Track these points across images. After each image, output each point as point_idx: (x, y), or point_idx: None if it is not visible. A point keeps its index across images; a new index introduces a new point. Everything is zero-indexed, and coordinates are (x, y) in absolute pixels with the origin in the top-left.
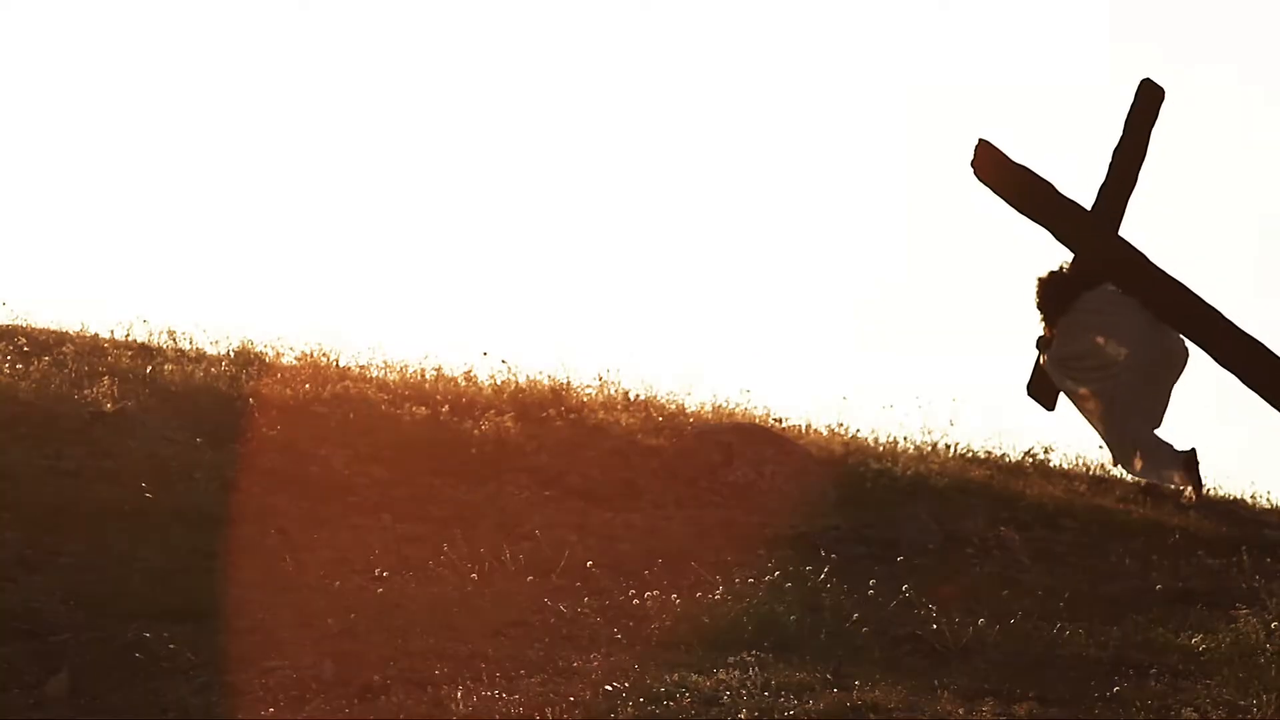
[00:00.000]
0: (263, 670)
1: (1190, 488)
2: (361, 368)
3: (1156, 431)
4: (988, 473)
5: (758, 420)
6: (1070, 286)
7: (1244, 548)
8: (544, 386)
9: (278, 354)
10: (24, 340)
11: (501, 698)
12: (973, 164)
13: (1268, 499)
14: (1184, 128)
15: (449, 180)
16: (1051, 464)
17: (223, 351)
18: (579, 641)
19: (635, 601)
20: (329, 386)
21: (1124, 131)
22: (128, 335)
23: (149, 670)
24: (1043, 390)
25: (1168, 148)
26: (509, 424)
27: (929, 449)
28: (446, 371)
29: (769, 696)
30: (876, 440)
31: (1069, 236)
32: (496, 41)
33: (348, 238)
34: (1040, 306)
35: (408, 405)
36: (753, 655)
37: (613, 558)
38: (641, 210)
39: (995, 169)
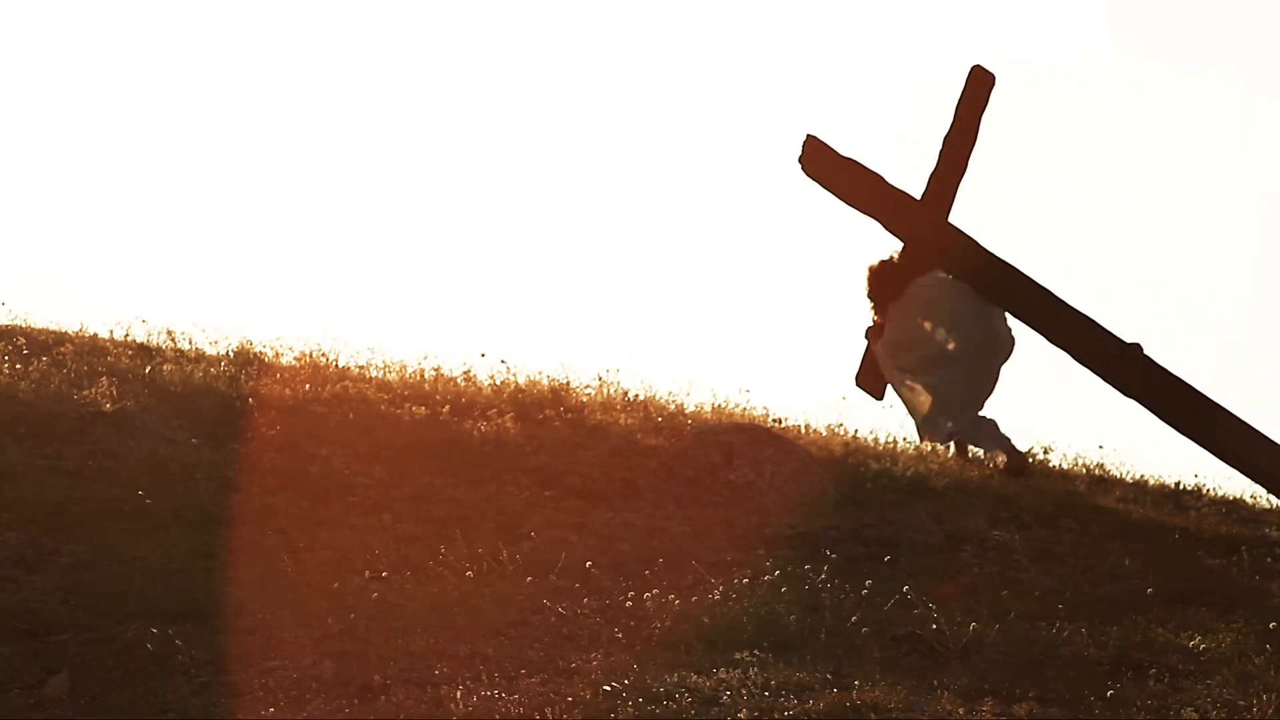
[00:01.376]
0: (263, 670)
1: (1007, 457)
2: (361, 368)
3: (978, 413)
4: (988, 473)
5: (758, 420)
6: (901, 275)
7: (1244, 548)
8: (543, 387)
9: (277, 354)
10: (23, 340)
11: (501, 698)
12: (800, 160)
13: (1268, 499)
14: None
15: (449, 180)
16: (1051, 464)
17: (222, 351)
18: (579, 641)
19: (635, 601)
20: (328, 386)
21: (954, 118)
22: (127, 335)
23: (149, 670)
24: (871, 380)
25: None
26: (509, 424)
27: (929, 449)
28: (446, 371)
29: (769, 696)
30: (876, 440)
31: (899, 227)
32: (497, 42)
33: (347, 238)
34: (870, 295)
35: (407, 405)
36: (753, 655)
37: (613, 558)
38: (641, 210)
39: (822, 164)
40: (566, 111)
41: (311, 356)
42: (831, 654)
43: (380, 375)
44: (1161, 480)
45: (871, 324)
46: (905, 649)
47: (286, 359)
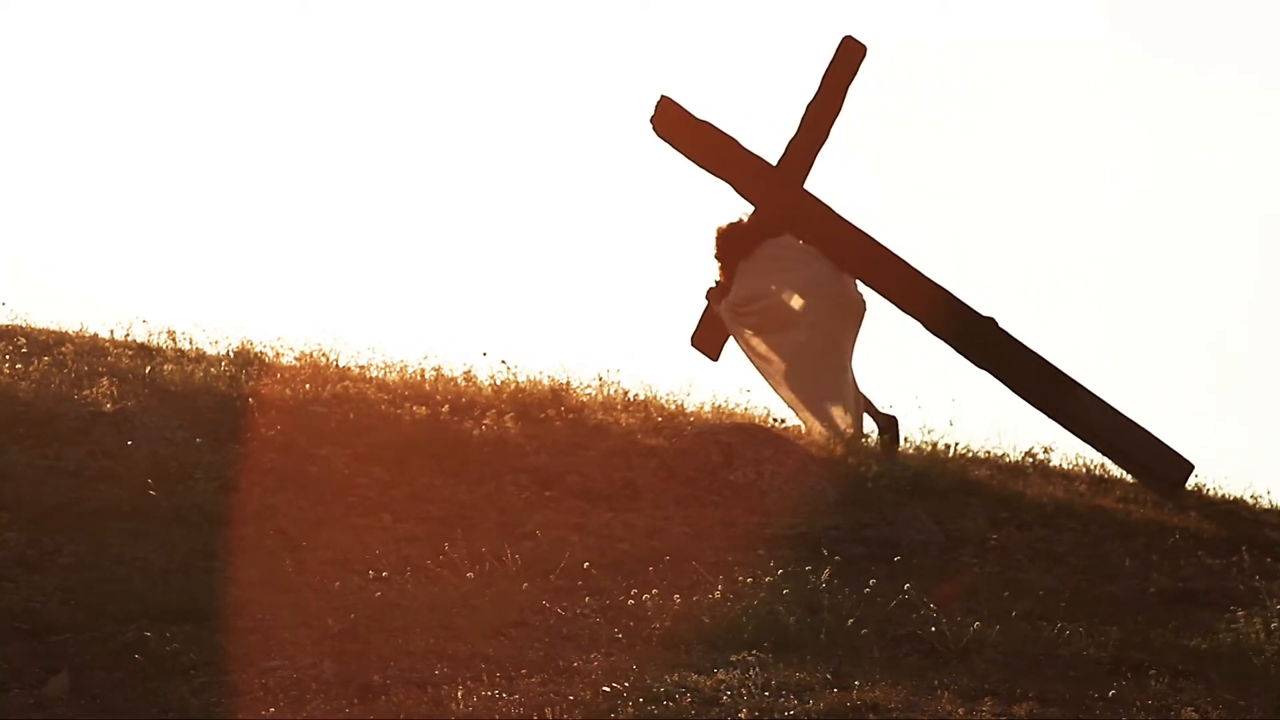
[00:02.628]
0: (263, 670)
1: (883, 433)
2: (361, 368)
3: (841, 382)
4: (988, 473)
5: (758, 420)
6: (750, 237)
7: (1244, 548)
8: (544, 386)
9: (277, 354)
10: (23, 340)
11: (501, 698)
12: (653, 120)
13: (1268, 499)
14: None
15: (449, 180)
16: (1051, 464)
17: (222, 351)
18: (579, 641)
19: (635, 601)
20: (329, 386)
21: (820, 87)
22: (127, 335)
23: (149, 670)
24: (708, 341)
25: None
26: (509, 424)
27: (929, 449)
28: (446, 371)
29: (769, 696)
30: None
31: (752, 191)
32: (495, 42)
33: (348, 238)
34: (719, 257)
35: (408, 405)
36: (753, 655)
37: (613, 558)
38: (641, 210)
39: (676, 125)
40: (567, 112)
41: (311, 356)
42: (831, 654)
43: (380, 375)
44: None
45: (714, 284)
46: (905, 649)
47: (286, 359)
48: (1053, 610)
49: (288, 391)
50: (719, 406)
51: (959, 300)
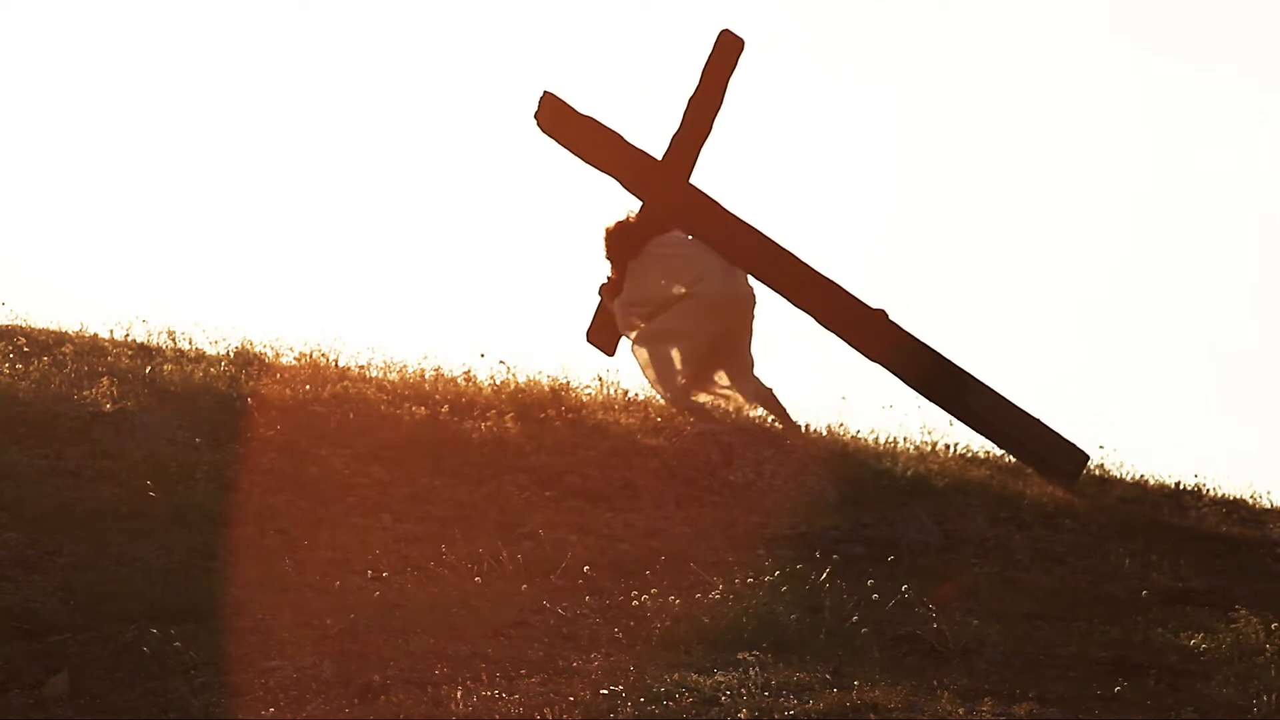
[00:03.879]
0: (263, 670)
1: (777, 419)
2: (361, 368)
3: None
4: (988, 473)
5: (758, 420)
6: (638, 234)
7: (1244, 548)
8: (543, 386)
9: (277, 354)
10: (23, 340)
11: (501, 698)
12: (536, 116)
13: (1268, 499)
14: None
15: (449, 180)
16: None
17: (222, 351)
18: (579, 641)
19: (635, 601)
20: (328, 387)
21: (700, 81)
22: (127, 335)
23: (149, 670)
24: (603, 337)
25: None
26: (509, 424)
27: (929, 449)
28: (446, 371)
29: (769, 696)
30: (876, 440)
31: (638, 186)
32: (494, 43)
33: (348, 238)
34: (609, 256)
35: (407, 405)
36: (753, 655)
37: (613, 558)
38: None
39: (560, 121)
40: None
41: (311, 356)
42: (831, 654)
43: (380, 375)
44: (1161, 480)
45: (606, 280)
46: (905, 649)
47: (286, 359)
48: (1053, 610)
49: (287, 391)
50: (719, 406)
51: (849, 293)
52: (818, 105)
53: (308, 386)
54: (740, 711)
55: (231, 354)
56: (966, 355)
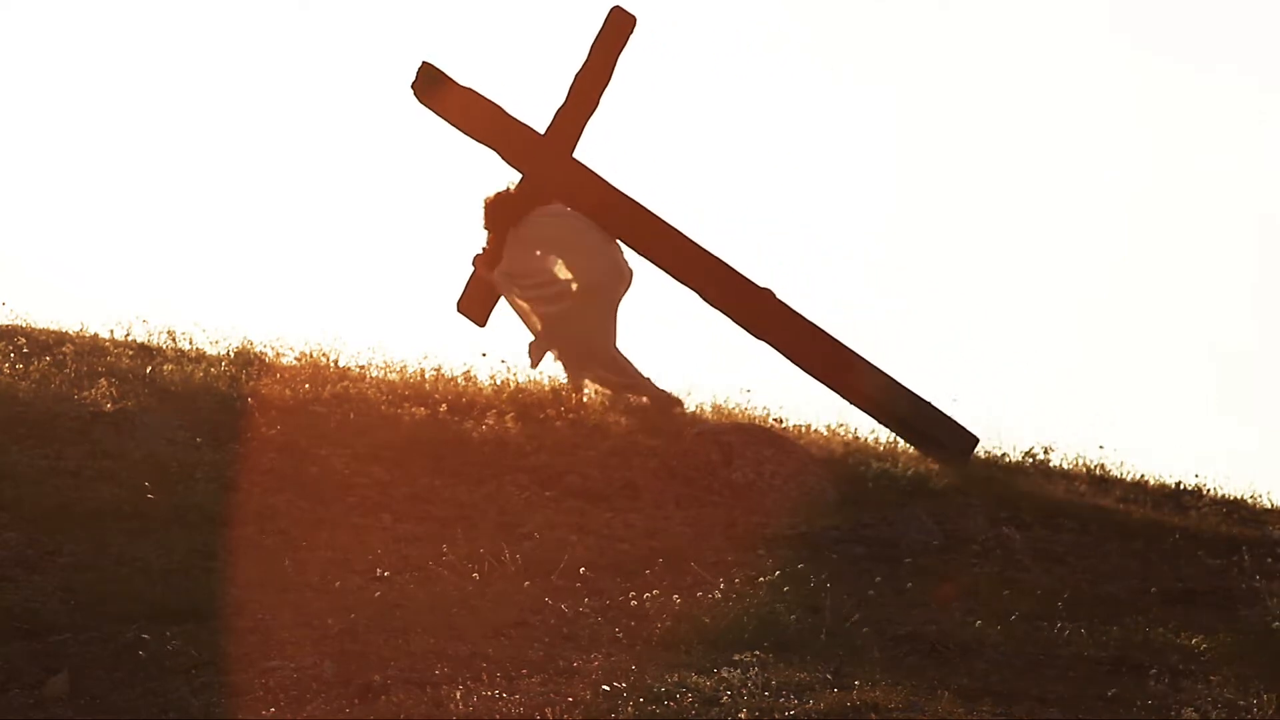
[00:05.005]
0: (263, 670)
1: (650, 399)
2: (361, 368)
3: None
4: (988, 473)
5: (758, 420)
6: (518, 206)
7: (1244, 548)
8: (544, 386)
9: (277, 354)
10: (24, 340)
11: (501, 698)
12: (413, 87)
13: (1268, 499)
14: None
15: (449, 180)
16: (1051, 464)
17: (222, 351)
18: (579, 641)
19: (635, 601)
20: (328, 386)
21: (588, 56)
22: (127, 335)
23: (149, 670)
24: (474, 308)
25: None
26: (509, 424)
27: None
28: (446, 371)
29: (769, 696)
30: (876, 440)
31: (519, 159)
32: (494, 42)
33: (348, 238)
34: (487, 228)
35: (407, 405)
36: (753, 655)
37: (613, 558)
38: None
39: (438, 92)
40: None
41: (311, 356)
42: (831, 654)
43: (380, 375)
44: (1161, 480)
45: (480, 251)
46: (905, 649)
47: (286, 359)
48: (1053, 610)
49: (288, 391)
50: (719, 406)
51: (735, 271)
52: (818, 105)
53: (308, 386)
54: (740, 711)
55: (231, 354)
56: (967, 355)
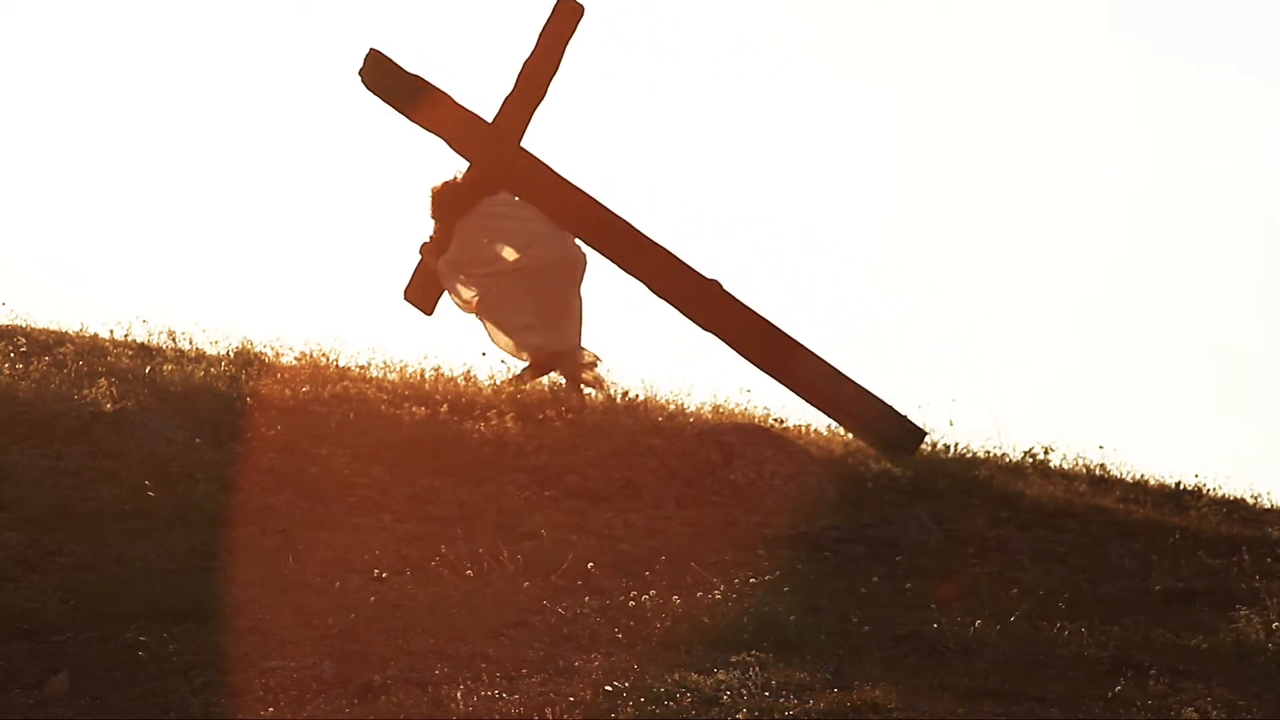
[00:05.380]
0: (263, 670)
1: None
2: (361, 368)
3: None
4: (988, 473)
5: (758, 420)
6: (466, 195)
7: (1244, 548)
8: (543, 386)
9: (277, 354)
10: (23, 340)
11: (501, 698)
12: (361, 73)
13: (1268, 499)
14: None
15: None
16: (1051, 464)
17: (222, 351)
18: (579, 641)
19: (635, 601)
20: (329, 386)
21: (536, 45)
22: (127, 335)
23: (149, 670)
24: (420, 296)
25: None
26: (509, 424)
27: (929, 449)
28: (446, 371)
29: (769, 696)
30: None
31: (466, 147)
32: (497, 41)
33: (348, 238)
34: (435, 217)
35: (407, 405)
36: (753, 655)
37: (613, 558)
38: (641, 210)
39: (386, 79)
40: (566, 111)
41: (311, 356)
42: (831, 654)
43: (380, 375)
44: (1161, 480)
45: (427, 239)
46: (905, 649)
47: (286, 359)
48: (1053, 610)
49: (288, 391)
50: (719, 406)
51: (683, 263)
52: (818, 105)
53: (307, 386)
54: (740, 711)
55: (231, 354)
56: (967, 355)
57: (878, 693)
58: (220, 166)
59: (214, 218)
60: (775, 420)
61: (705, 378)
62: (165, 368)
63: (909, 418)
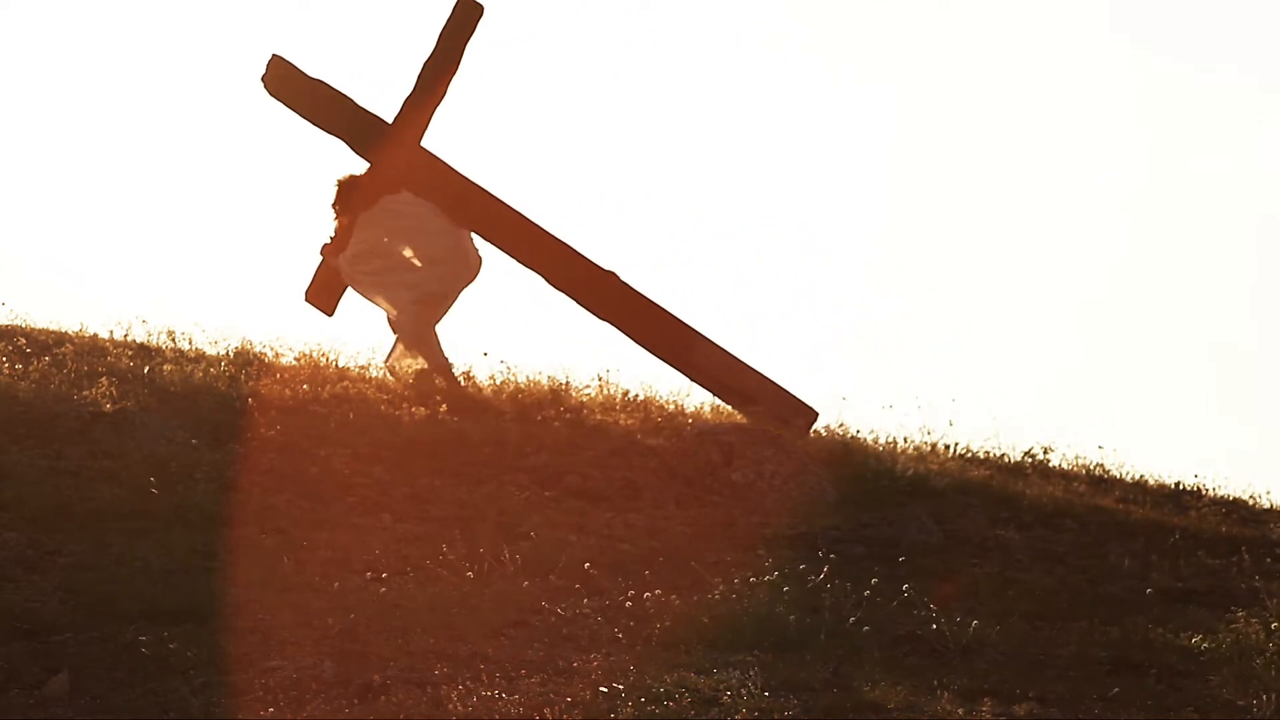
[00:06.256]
0: (263, 670)
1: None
2: (361, 368)
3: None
4: (988, 473)
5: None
6: (367, 193)
7: (1244, 548)
8: (543, 387)
9: (277, 354)
10: (23, 340)
11: (501, 698)
12: (264, 79)
13: (1268, 499)
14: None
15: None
16: (1051, 464)
17: (222, 351)
18: (579, 641)
19: (635, 601)
20: (328, 387)
21: (436, 45)
22: (127, 335)
23: (149, 670)
24: (323, 297)
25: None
26: (509, 424)
27: (929, 449)
28: None
29: (769, 696)
30: (876, 440)
31: (368, 148)
32: (503, 40)
33: None
34: (336, 214)
35: (407, 405)
36: (753, 655)
37: (613, 558)
38: (640, 209)
39: (287, 84)
40: (566, 110)
41: (311, 357)
42: (831, 654)
43: (380, 375)
44: (1161, 480)
45: (329, 239)
46: (905, 649)
47: (286, 359)
48: (1053, 610)
49: (287, 391)
50: (719, 406)
51: (580, 255)
52: (818, 105)
53: (307, 387)
54: (740, 711)
55: (231, 354)
56: (967, 355)
57: (878, 693)
58: (220, 167)
59: (214, 218)
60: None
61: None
62: (165, 368)
63: (802, 400)
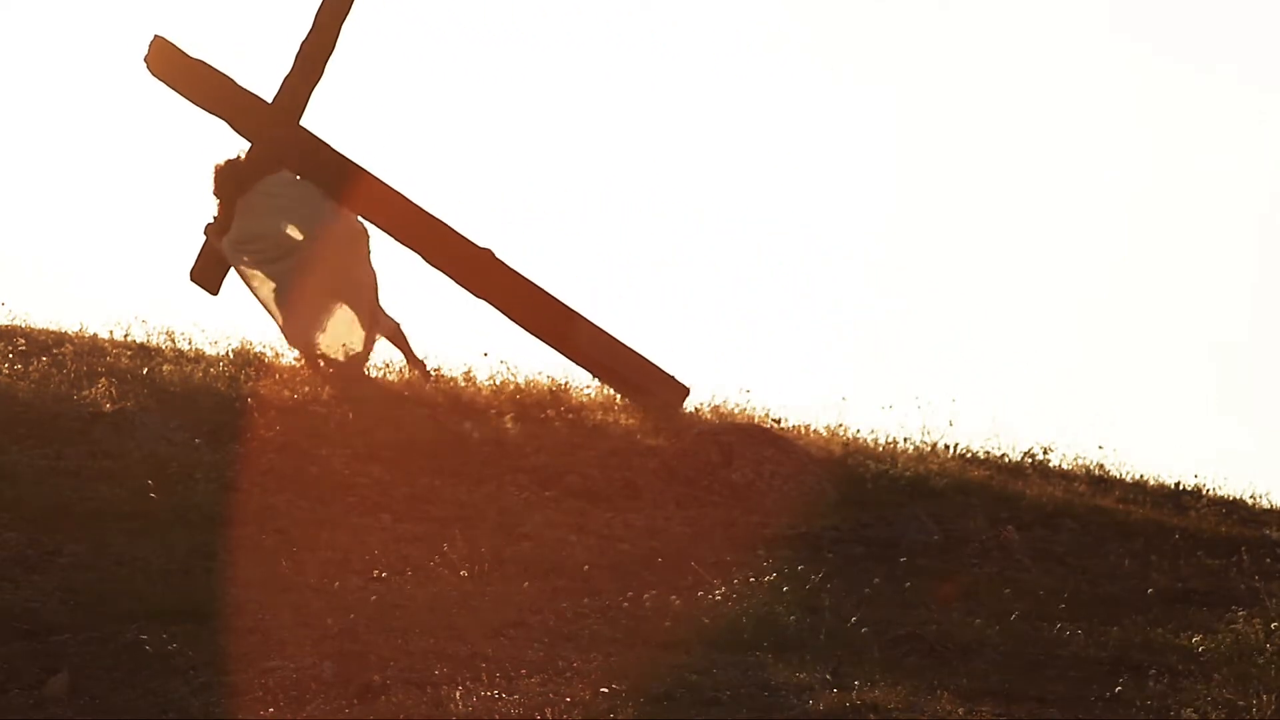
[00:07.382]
0: (263, 670)
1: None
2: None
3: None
4: (988, 473)
5: (758, 420)
6: (247, 173)
7: (1244, 548)
8: (543, 387)
9: (277, 354)
10: (23, 340)
11: (501, 698)
12: (146, 60)
13: (1268, 499)
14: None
15: (448, 179)
16: (1051, 464)
17: (222, 352)
18: (579, 641)
19: (635, 602)
20: (328, 387)
21: (312, 26)
22: (126, 335)
23: (149, 670)
24: (207, 276)
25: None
26: (508, 424)
27: (929, 449)
28: (446, 371)
29: (769, 696)
30: (876, 440)
31: (248, 128)
32: (511, 38)
33: None
34: (216, 194)
35: (407, 405)
36: (753, 655)
37: (613, 558)
38: (640, 209)
39: (169, 64)
40: (566, 109)
41: None
42: (831, 654)
43: (380, 375)
44: (1161, 480)
45: (212, 220)
46: (905, 649)
47: (286, 359)
48: (1053, 610)
49: (287, 392)
50: (719, 406)
51: (455, 232)
52: (817, 105)
53: (307, 387)
54: (740, 711)
55: (231, 354)
56: (967, 355)
57: (878, 693)
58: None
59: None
60: (775, 420)
61: (705, 378)
62: (164, 368)
63: (673, 376)
